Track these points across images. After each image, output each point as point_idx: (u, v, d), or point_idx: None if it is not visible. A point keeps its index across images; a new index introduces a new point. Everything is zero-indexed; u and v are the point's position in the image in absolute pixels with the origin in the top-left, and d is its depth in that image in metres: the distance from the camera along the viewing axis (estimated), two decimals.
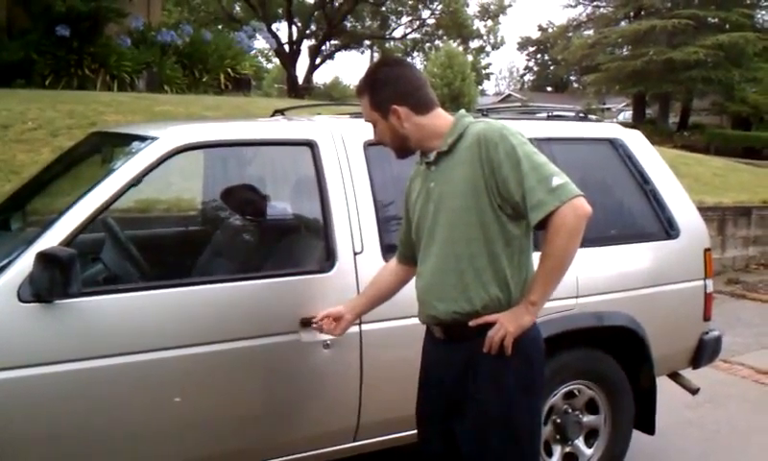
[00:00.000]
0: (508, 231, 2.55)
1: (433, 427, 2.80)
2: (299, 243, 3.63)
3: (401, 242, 2.98)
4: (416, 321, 3.18)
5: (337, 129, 3.48)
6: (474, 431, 2.62)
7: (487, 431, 2.60)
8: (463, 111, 2.73)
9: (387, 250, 3.37)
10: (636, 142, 4.24)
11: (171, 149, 3.07)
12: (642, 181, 4.10)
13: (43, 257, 2.62)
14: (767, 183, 13.56)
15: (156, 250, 3.98)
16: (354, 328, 3.24)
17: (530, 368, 2.62)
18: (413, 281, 2.86)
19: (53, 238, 2.75)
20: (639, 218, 4.11)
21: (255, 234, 3.81)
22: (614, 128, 4.37)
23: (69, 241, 2.77)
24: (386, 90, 2.63)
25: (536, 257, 2.61)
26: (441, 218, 2.60)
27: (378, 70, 2.74)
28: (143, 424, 2.95)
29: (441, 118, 2.68)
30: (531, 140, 3.74)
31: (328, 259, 3.27)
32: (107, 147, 3.79)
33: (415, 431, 3.53)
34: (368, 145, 3.47)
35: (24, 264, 2.69)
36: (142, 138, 3.23)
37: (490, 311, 2.55)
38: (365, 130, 3.52)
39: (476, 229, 2.53)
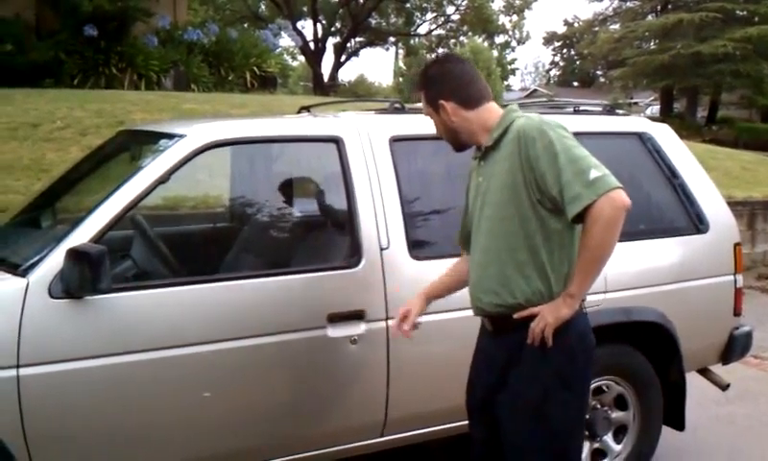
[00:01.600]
0: (548, 226, 2.55)
1: (478, 415, 2.84)
2: (325, 239, 3.64)
3: (465, 235, 2.96)
4: (443, 316, 3.20)
5: (363, 125, 3.49)
6: (510, 421, 2.65)
7: (522, 422, 2.62)
8: (512, 106, 2.75)
9: (413, 245, 3.37)
10: (665, 136, 4.20)
11: (198, 146, 3.10)
12: (671, 176, 4.06)
13: (73, 254, 2.65)
14: None
15: (185, 246, 4.01)
16: (381, 324, 3.27)
17: (571, 363, 2.61)
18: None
19: (83, 235, 2.79)
20: (668, 213, 4.07)
21: (282, 230, 3.82)
22: (642, 122, 4.33)
23: (99, 238, 2.81)
24: (435, 86, 2.71)
25: None
26: (485, 212, 2.65)
27: (429, 68, 2.83)
28: (172, 420, 2.97)
29: (490, 112, 2.70)
30: None
31: (354, 255, 3.28)
32: (135, 145, 3.82)
33: (443, 426, 3.56)
34: (393, 141, 3.47)
35: (55, 261, 2.72)
36: (170, 136, 3.26)
37: (532, 304, 2.57)
38: (390, 125, 3.53)
39: (516, 223, 2.56)
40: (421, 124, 3.74)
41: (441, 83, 2.71)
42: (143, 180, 2.96)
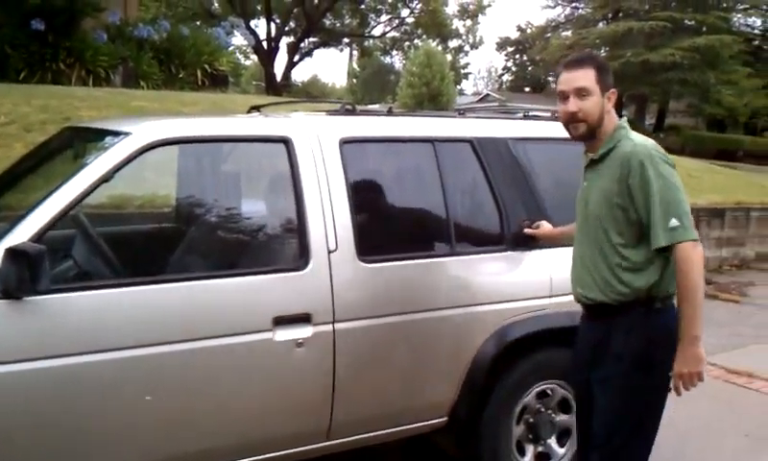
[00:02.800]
0: (636, 240, 2.89)
1: (580, 391, 3.23)
2: (272, 240, 3.61)
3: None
4: (388, 320, 3.20)
5: (313, 126, 3.47)
6: (602, 396, 3.03)
7: (610, 397, 2.99)
8: (622, 121, 3.03)
9: (362, 248, 3.35)
10: None
11: (144, 144, 3.05)
12: None
13: (11, 253, 2.59)
14: (741, 185, 13.70)
15: (128, 247, 3.94)
16: (328, 327, 3.24)
17: (655, 348, 2.92)
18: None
19: (22, 234, 2.72)
20: None
21: (229, 232, 3.77)
22: None
23: (39, 237, 2.74)
24: (609, 75, 3.02)
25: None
26: (587, 217, 3.02)
27: (603, 59, 3.15)
28: (112, 423, 2.91)
29: (612, 121, 3.01)
30: (509, 140, 3.79)
31: (302, 257, 3.26)
32: (79, 142, 3.75)
33: (390, 430, 3.56)
34: (343, 142, 3.45)
35: None
36: (115, 134, 3.20)
37: (618, 302, 2.93)
38: (341, 127, 3.51)
39: (611, 234, 2.92)
40: (372, 126, 3.75)
41: (611, 76, 3.02)
42: (86, 178, 2.90)
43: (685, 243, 2.76)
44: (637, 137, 2.94)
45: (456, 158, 3.77)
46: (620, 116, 3.11)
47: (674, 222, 2.76)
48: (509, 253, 3.74)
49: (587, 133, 2.99)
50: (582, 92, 2.94)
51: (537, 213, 3.80)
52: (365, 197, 3.52)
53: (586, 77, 2.94)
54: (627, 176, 2.83)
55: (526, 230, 3.72)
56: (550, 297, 3.70)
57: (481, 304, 3.62)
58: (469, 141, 3.82)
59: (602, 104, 2.96)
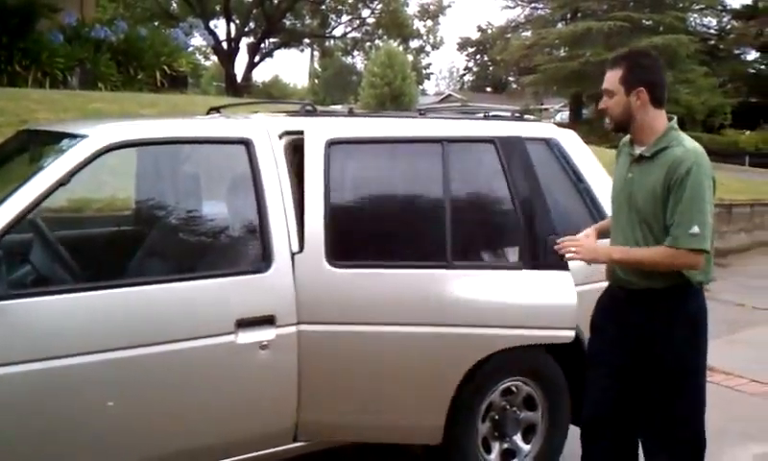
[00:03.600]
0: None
1: (605, 369, 3.34)
2: (234, 243, 3.58)
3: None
4: (354, 328, 3.17)
5: (273, 127, 3.44)
6: (655, 383, 3.18)
7: (668, 384, 3.17)
8: (673, 123, 3.19)
9: (334, 253, 3.32)
10: (571, 142, 4.28)
11: (101, 147, 3.01)
12: (576, 180, 4.13)
13: None
14: None
15: (87, 250, 3.88)
16: (291, 329, 3.22)
17: (694, 332, 3.20)
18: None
19: None
20: (575, 217, 4.12)
21: (190, 234, 3.73)
22: (549, 128, 4.40)
23: None
24: (643, 73, 3.15)
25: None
26: (630, 206, 3.18)
27: (643, 54, 3.32)
28: (73, 430, 2.87)
29: (661, 120, 3.17)
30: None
31: (264, 259, 3.23)
32: (35, 145, 3.69)
33: (356, 434, 3.53)
34: (329, 144, 3.42)
35: None
36: (72, 136, 3.16)
37: (664, 287, 3.12)
38: (328, 129, 3.50)
39: (654, 225, 3.09)
40: (356, 127, 3.71)
41: (650, 73, 3.16)
42: (42, 181, 2.86)
43: (697, 253, 2.99)
44: (688, 142, 3.11)
45: (456, 162, 3.74)
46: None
47: (696, 229, 2.96)
48: (492, 270, 3.70)
49: (614, 127, 3.24)
50: (606, 93, 3.20)
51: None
52: (341, 201, 3.48)
53: (610, 79, 3.17)
54: (673, 173, 3.01)
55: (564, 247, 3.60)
56: (531, 327, 3.68)
57: (456, 326, 3.51)
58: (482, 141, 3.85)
59: (625, 102, 3.14)
